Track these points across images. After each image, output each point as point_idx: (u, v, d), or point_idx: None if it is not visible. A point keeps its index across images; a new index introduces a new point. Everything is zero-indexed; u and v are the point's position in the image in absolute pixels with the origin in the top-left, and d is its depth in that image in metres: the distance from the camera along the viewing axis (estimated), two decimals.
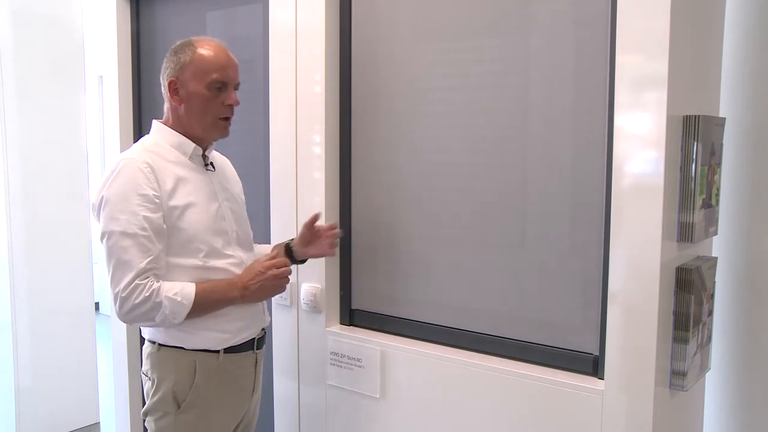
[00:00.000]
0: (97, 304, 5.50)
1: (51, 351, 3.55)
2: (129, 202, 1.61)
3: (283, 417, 2.23)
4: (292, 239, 1.97)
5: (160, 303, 1.61)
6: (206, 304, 1.68)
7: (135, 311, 1.60)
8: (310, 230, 1.92)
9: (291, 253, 1.95)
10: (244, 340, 1.78)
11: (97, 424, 3.77)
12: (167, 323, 1.65)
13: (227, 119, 1.77)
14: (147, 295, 1.59)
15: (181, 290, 1.64)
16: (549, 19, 1.68)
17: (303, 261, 1.99)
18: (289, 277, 1.78)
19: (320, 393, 2.12)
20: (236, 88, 1.77)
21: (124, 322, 1.65)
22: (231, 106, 1.74)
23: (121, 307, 1.61)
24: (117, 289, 1.60)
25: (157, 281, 1.62)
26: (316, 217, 1.91)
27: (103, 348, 4.07)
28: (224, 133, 1.79)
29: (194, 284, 1.67)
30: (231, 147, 1.99)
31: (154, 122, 1.80)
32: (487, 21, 1.79)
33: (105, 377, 3.78)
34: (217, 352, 1.73)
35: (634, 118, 1.50)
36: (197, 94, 1.71)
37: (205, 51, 1.72)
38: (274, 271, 1.73)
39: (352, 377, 2.04)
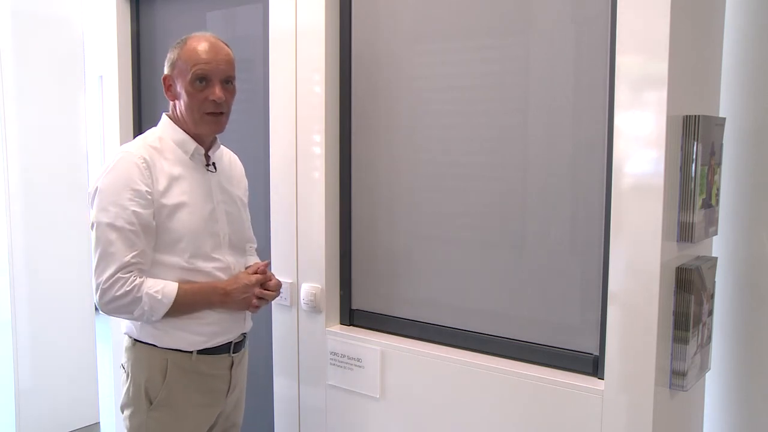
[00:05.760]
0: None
1: (51, 351, 3.54)
2: (120, 196, 1.62)
3: (283, 417, 2.23)
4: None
5: (140, 299, 1.62)
6: (186, 304, 1.69)
7: (114, 303, 1.62)
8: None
9: None
10: (219, 344, 1.77)
11: (97, 424, 3.76)
12: (145, 318, 1.66)
13: (215, 114, 1.71)
14: (128, 289, 1.60)
15: (162, 289, 1.65)
16: (549, 19, 1.68)
17: None
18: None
19: (320, 393, 2.12)
20: (229, 82, 1.72)
21: (103, 312, 1.67)
22: (215, 101, 1.69)
23: (101, 297, 1.62)
24: (99, 280, 1.62)
25: (141, 277, 1.63)
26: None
27: (103, 348, 4.07)
28: (215, 128, 1.75)
29: (177, 284, 1.67)
30: (231, 147, 1.99)
31: (164, 116, 1.79)
32: (487, 21, 1.79)
33: (105, 377, 3.78)
34: (191, 352, 1.73)
35: (634, 117, 1.50)
36: (184, 90, 1.70)
37: (191, 46, 1.69)
38: (258, 291, 1.78)
39: (352, 377, 2.04)
